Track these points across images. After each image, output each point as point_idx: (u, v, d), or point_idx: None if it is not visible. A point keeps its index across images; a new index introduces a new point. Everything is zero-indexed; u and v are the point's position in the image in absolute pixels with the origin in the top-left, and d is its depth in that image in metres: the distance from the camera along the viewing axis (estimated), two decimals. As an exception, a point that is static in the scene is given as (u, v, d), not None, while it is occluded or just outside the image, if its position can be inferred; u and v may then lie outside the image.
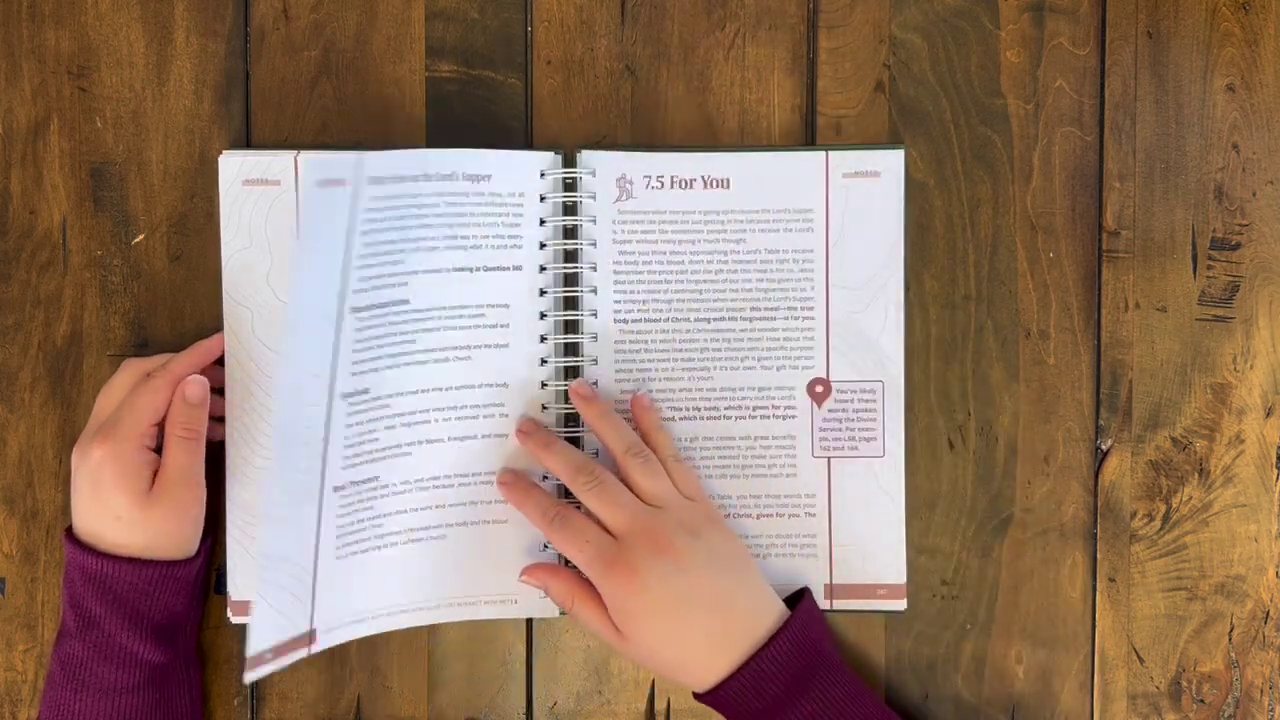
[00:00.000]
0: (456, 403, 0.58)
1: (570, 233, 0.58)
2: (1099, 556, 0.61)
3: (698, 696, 0.55)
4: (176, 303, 0.60)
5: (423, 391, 0.57)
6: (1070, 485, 0.61)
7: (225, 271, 0.58)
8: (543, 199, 0.58)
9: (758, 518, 0.59)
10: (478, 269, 0.57)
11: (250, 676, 0.51)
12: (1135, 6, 0.61)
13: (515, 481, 0.58)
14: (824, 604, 0.59)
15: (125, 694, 0.54)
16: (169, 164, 0.60)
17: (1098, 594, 0.61)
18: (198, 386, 0.56)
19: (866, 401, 0.59)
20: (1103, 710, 0.61)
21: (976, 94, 0.60)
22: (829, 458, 0.59)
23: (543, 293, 0.58)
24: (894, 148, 0.59)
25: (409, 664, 0.60)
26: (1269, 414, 0.61)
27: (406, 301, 0.56)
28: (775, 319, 0.59)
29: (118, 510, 0.54)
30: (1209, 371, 0.61)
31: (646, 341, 0.59)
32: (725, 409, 0.59)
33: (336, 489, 0.55)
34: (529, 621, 0.61)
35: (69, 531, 0.56)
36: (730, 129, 0.60)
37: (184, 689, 0.57)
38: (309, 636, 0.55)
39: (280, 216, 0.57)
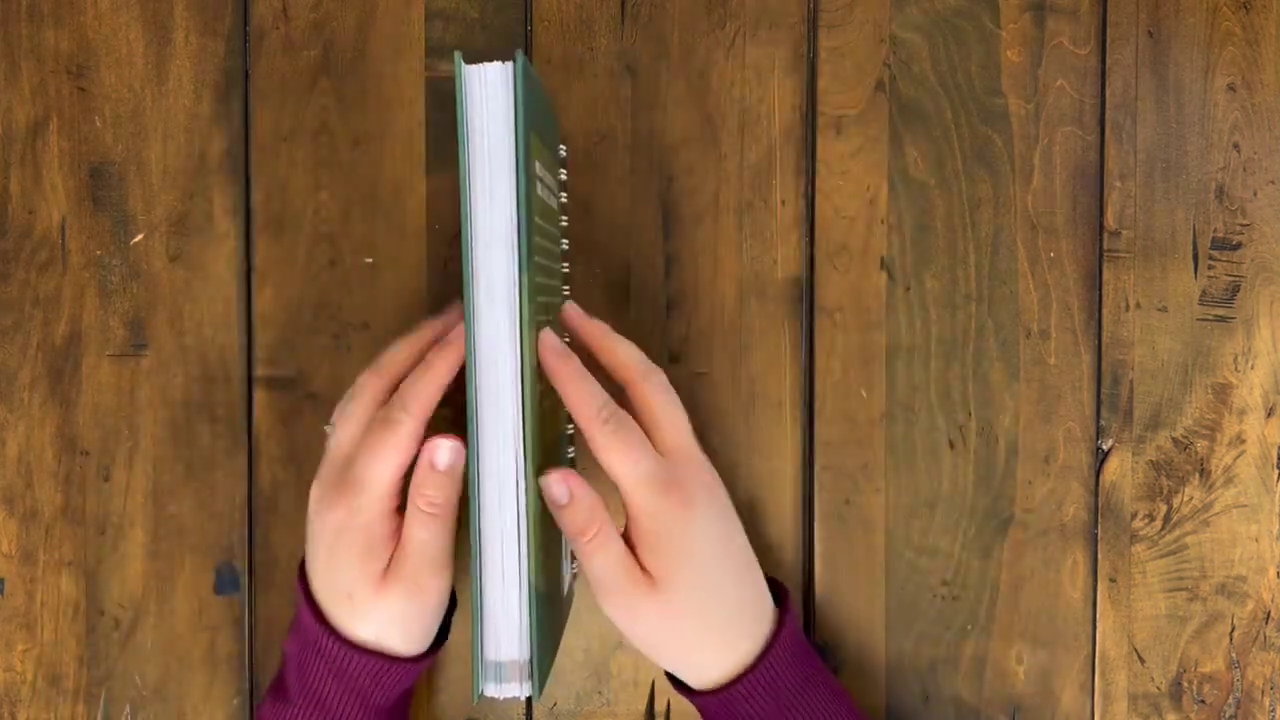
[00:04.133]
0: None
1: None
2: (1100, 557, 0.61)
3: (702, 695, 0.50)
4: (176, 303, 0.60)
5: None
6: (1071, 485, 0.60)
7: (473, 215, 0.46)
8: None
9: None
10: None
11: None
12: (1136, 6, 0.60)
13: (569, 358, 0.46)
14: None
15: None
16: (168, 164, 0.60)
17: (1098, 594, 0.61)
18: (448, 451, 0.45)
19: None
20: (1103, 711, 0.61)
21: (977, 93, 0.60)
22: None
23: None
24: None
25: (409, 664, 0.60)
26: (1270, 414, 0.61)
27: None
28: None
29: (350, 588, 0.46)
30: (1210, 371, 0.61)
31: None
32: None
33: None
34: (529, 622, 0.60)
35: (303, 577, 0.50)
36: (730, 129, 0.60)
37: None
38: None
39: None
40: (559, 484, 0.45)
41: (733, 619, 0.49)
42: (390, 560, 0.46)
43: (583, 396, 0.46)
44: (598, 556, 0.46)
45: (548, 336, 0.46)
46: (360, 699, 0.48)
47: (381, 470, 0.45)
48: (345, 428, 0.48)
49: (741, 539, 0.51)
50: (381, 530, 0.46)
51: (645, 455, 0.46)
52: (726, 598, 0.49)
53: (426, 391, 0.46)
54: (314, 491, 0.48)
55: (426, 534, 0.46)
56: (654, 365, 0.49)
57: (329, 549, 0.47)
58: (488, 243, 0.45)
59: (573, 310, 0.50)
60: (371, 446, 0.46)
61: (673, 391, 0.49)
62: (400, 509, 0.47)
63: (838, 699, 0.52)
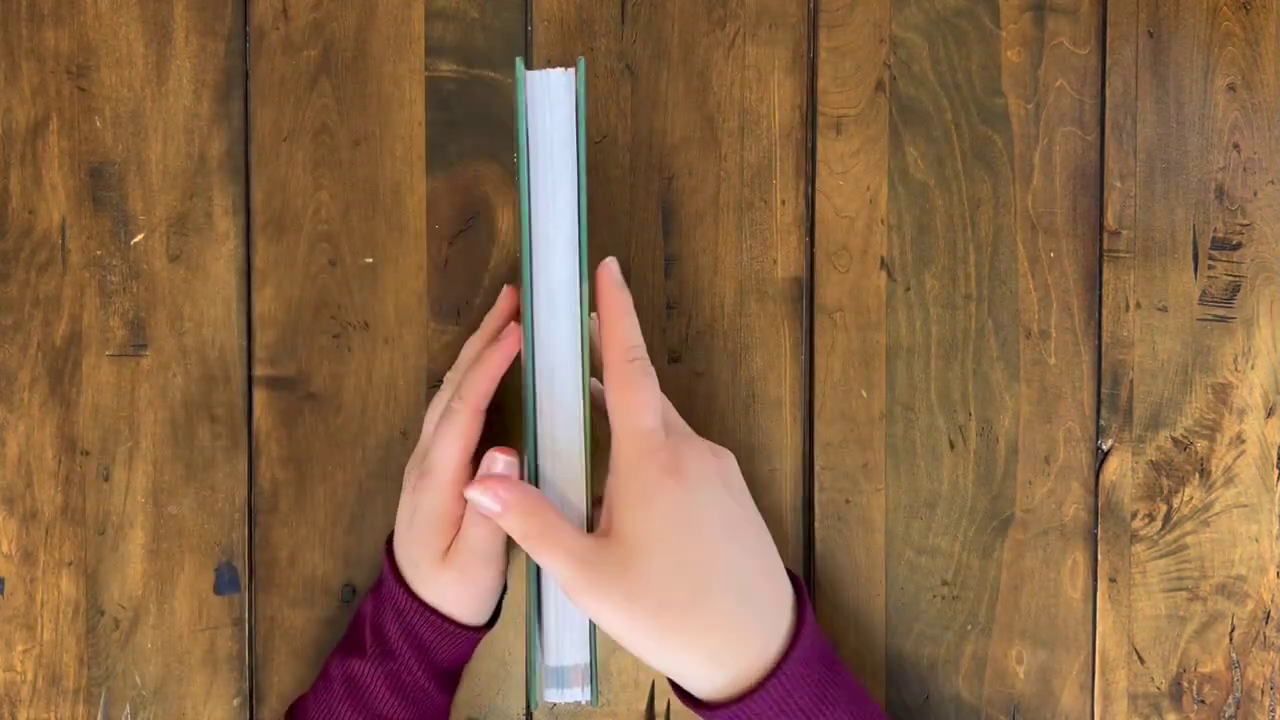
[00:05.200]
0: None
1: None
2: (1100, 557, 0.61)
3: (711, 708, 0.46)
4: (176, 303, 0.60)
5: None
6: (1071, 485, 0.60)
7: (534, 218, 0.46)
8: None
9: None
10: None
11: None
12: (1136, 6, 0.60)
13: (624, 292, 0.47)
14: None
15: None
16: (168, 164, 0.60)
17: (1098, 594, 0.61)
18: (502, 464, 0.48)
19: None
20: (1103, 711, 0.61)
21: (977, 93, 0.60)
22: None
23: None
24: None
25: (409, 664, 0.60)
26: (1270, 414, 0.61)
27: None
28: None
29: (418, 559, 0.51)
30: (1210, 371, 0.61)
31: None
32: None
33: None
34: (529, 622, 0.60)
35: (390, 546, 0.54)
36: (730, 129, 0.60)
37: None
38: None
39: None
40: (485, 495, 0.46)
41: (719, 613, 0.45)
42: (455, 545, 0.50)
43: (622, 331, 0.46)
44: (557, 552, 0.45)
45: (610, 266, 0.47)
46: (423, 653, 0.52)
47: (447, 455, 0.50)
48: (429, 418, 0.54)
49: (752, 530, 0.48)
50: (449, 511, 0.50)
51: (653, 412, 0.46)
52: (706, 582, 0.45)
53: (480, 385, 0.49)
54: (406, 471, 0.54)
55: (479, 531, 0.49)
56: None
57: (408, 522, 0.52)
58: (549, 252, 0.46)
59: (609, 271, 0.49)
60: (439, 435, 0.50)
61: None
62: None
63: (857, 705, 0.48)
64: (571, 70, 0.45)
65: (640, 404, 0.46)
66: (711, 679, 0.46)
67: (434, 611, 0.52)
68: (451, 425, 0.49)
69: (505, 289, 0.56)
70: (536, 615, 0.46)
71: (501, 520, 0.46)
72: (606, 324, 0.47)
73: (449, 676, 0.55)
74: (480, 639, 0.55)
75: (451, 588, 0.51)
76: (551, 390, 0.46)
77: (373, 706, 0.53)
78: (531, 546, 0.45)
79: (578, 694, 0.47)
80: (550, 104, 0.46)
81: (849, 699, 0.48)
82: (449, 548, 0.51)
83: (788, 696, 0.45)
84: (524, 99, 0.45)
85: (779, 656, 0.46)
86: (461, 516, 0.51)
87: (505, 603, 0.58)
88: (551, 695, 0.47)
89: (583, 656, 0.47)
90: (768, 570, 0.47)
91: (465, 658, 0.55)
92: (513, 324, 0.52)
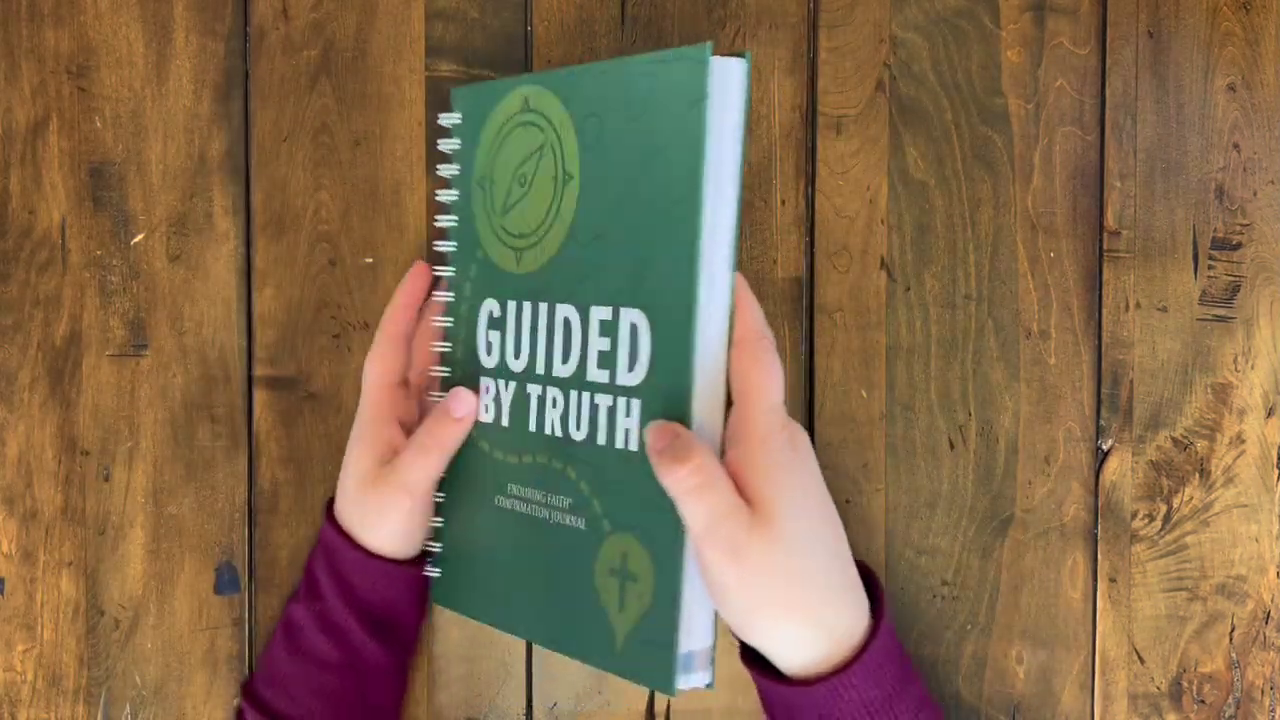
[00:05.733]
0: None
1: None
2: (1100, 557, 0.61)
3: (793, 685, 0.47)
4: (176, 303, 0.60)
5: None
6: (1071, 485, 0.60)
7: (705, 202, 0.47)
8: None
9: None
10: None
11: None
12: (1136, 6, 0.60)
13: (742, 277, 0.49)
14: None
15: (329, 670, 0.54)
16: (168, 164, 0.60)
17: (1098, 594, 0.61)
18: (463, 405, 0.53)
19: None
20: (1103, 711, 0.61)
21: (977, 93, 0.60)
22: None
23: None
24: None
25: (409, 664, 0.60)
26: (1270, 414, 0.61)
27: None
28: None
29: (347, 480, 0.55)
30: (1210, 371, 0.61)
31: None
32: None
33: None
34: (529, 622, 0.60)
35: (329, 501, 0.58)
36: (730, 129, 0.60)
37: (389, 690, 0.57)
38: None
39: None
40: (662, 430, 0.46)
41: (836, 583, 0.48)
42: (385, 468, 0.53)
43: (755, 312, 0.48)
44: (710, 498, 0.45)
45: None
46: (347, 590, 0.54)
47: (371, 375, 0.56)
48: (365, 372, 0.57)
49: (836, 512, 0.50)
50: (378, 433, 0.54)
51: (779, 389, 0.48)
52: (830, 552, 0.48)
53: (395, 315, 0.56)
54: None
55: (423, 460, 0.53)
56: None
57: (346, 452, 0.56)
58: (714, 238, 0.47)
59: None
60: (366, 362, 0.56)
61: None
62: (406, 430, 0.55)
63: (923, 684, 0.51)
64: (742, 60, 0.46)
65: (773, 380, 0.48)
66: (810, 652, 0.47)
67: (356, 545, 0.54)
68: (374, 349, 0.56)
69: (417, 264, 0.58)
70: (678, 601, 0.46)
71: (691, 450, 0.45)
72: (739, 306, 0.48)
73: (380, 625, 0.55)
74: (408, 580, 0.55)
75: (376, 504, 0.53)
76: (705, 370, 0.47)
77: (304, 647, 0.55)
78: (693, 487, 0.45)
79: (701, 678, 0.47)
80: (725, 92, 0.46)
81: (919, 675, 0.52)
82: (379, 475, 0.53)
83: (879, 668, 0.47)
84: (710, 85, 0.45)
85: (867, 632, 0.48)
86: (389, 435, 0.54)
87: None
88: (680, 683, 0.46)
89: (709, 639, 0.47)
90: (848, 549, 0.50)
91: (393, 600, 0.55)
92: (419, 261, 0.58)
